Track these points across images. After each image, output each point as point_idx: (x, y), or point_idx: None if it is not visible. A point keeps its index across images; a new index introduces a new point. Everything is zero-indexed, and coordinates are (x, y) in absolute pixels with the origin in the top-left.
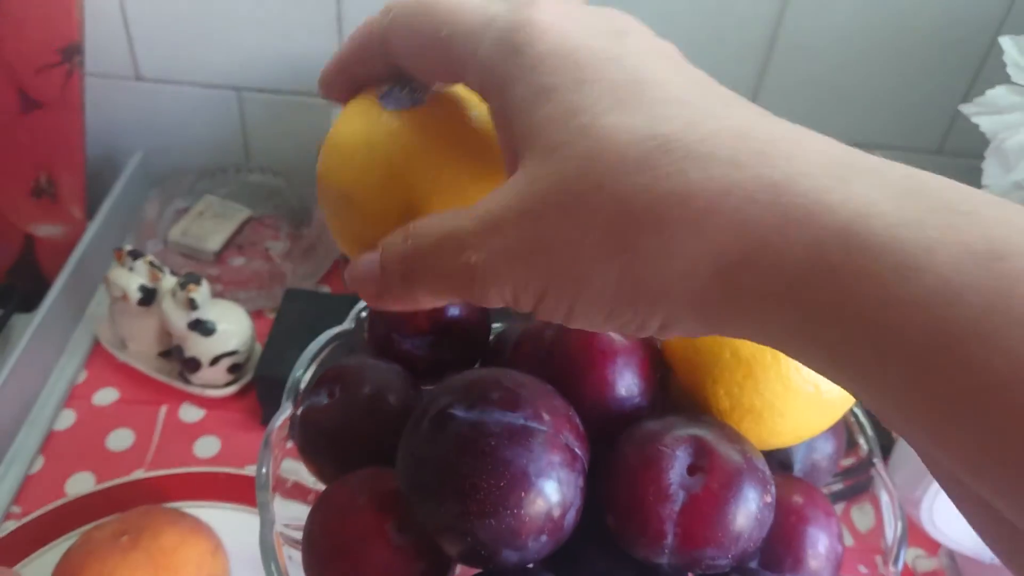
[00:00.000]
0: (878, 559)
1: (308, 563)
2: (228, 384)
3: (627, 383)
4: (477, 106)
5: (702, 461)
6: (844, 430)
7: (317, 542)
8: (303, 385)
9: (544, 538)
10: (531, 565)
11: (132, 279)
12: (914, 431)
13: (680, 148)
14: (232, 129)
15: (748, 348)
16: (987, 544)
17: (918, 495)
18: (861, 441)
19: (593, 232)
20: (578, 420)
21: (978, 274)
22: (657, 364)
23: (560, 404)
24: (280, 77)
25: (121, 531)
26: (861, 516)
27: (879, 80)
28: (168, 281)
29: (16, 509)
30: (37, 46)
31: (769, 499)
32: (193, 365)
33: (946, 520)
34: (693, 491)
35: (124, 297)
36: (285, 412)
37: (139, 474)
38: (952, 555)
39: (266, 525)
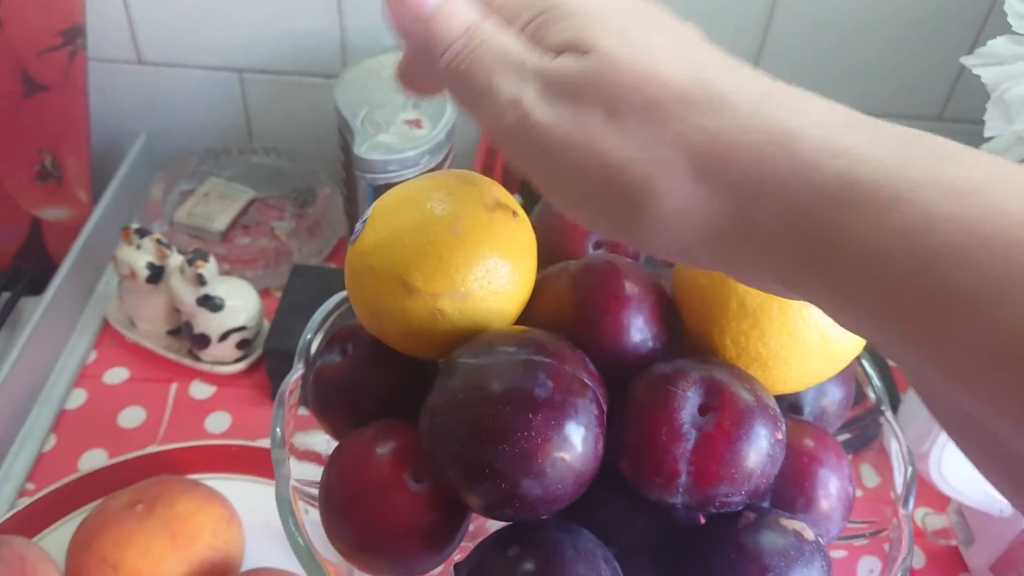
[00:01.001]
0: (887, 510)
1: (325, 512)
2: (237, 360)
3: (640, 328)
4: None
5: (713, 400)
6: (853, 379)
7: (334, 492)
8: (313, 348)
9: (562, 462)
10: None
11: (140, 257)
12: (906, 353)
13: (717, 93)
14: (235, 111)
15: (754, 298)
16: (993, 484)
17: (926, 450)
18: (869, 392)
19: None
20: (588, 360)
21: (953, 206)
22: (668, 312)
23: (567, 345)
24: (281, 58)
25: (136, 500)
26: (869, 474)
27: (880, 47)
28: (175, 259)
29: (30, 486)
30: (39, 28)
31: (780, 436)
32: (203, 341)
33: (954, 472)
34: (705, 430)
35: (132, 275)
36: (297, 372)
37: (152, 448)
38: (961, 511)
39: (282, 481)
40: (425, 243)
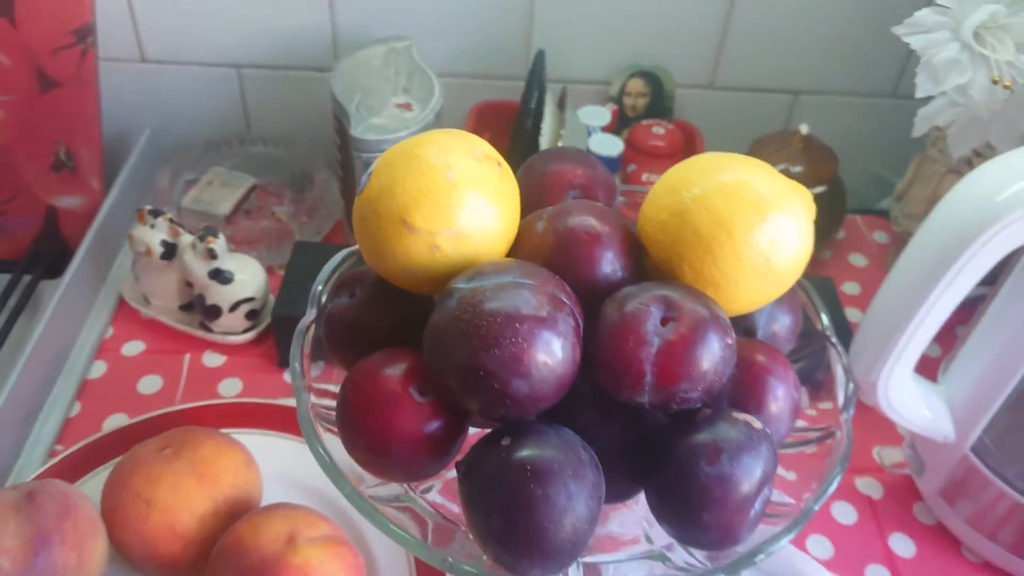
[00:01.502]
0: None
1: (342, 426)
2: (246, 330)
3: (610, 260)
4: None
5: (673, 313)
6: (800, 308)
7: (350, 407)
8: (323, 298)
9: (545, 365)
10: (534, 419)
11: (154, 235)
12: None
13: None
14: (233, 104)
15: (707, 228)
16: None
17: (874, 380)
18: (818, 323)
19: None
20: (566, 284)
21: None
22: (634, 247)
23: (547, 272)
24: (276, 53)
25: (164, 445)
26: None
27: (835, 28)
28: (186, 238)
29: (59, 448)
30: (53, 29)
31: (730, 341)
32: (214, 312)
33: (899, 400)
34: (666, 337)
35: (148, 252)
36: (310, 317)
37: (173, 407)
38: (913, 444)
39: (302, 404)
40: (423, 188)
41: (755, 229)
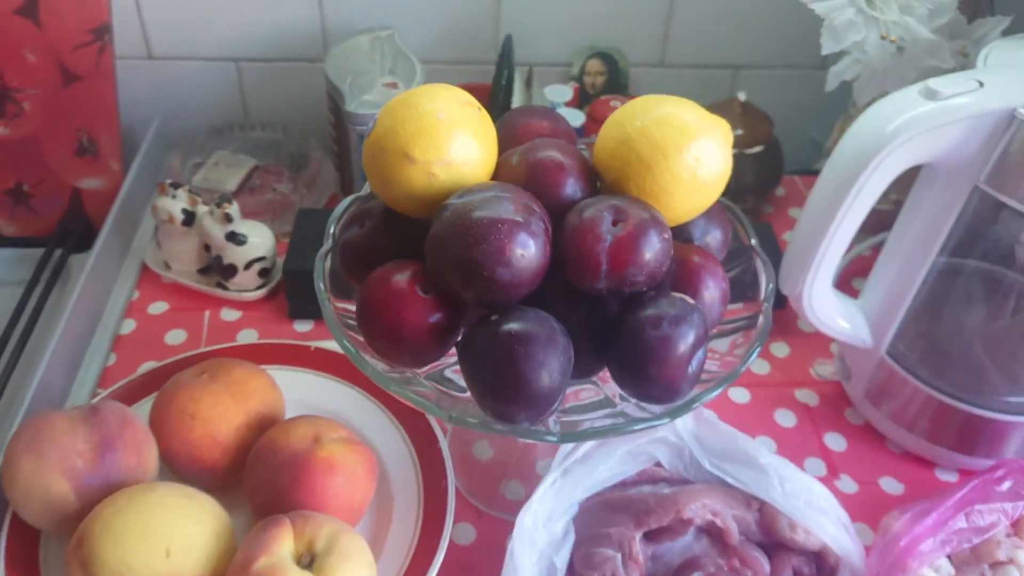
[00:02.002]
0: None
1: (362, 322)
2: (259, 288)
3: (571, 184)
4: None
5: (621, 216)
6: (729, 224)
7: (367, 305)
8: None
9: (522, 256)
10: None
11: (175, 204)
12: None
13: None
14: (233, 94)
15: (646, 151)
16: None
17: (799, 292)
18: (745, 238)
19: None
20: (537, 200)
21: None
22: (590, 173)
23: (522, 190)
24: (271, 46)
25: (202, 372)
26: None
27: (768, 7)
28: (203, 208)
29: (100, 391)
30: (73, 28)
31: (666, 236)
32: (231, 271)
33: (821, 308)
34: (616, 234)
35: (170, 219)
36: (327, 246)
37: (200, 350)
38: (843, 356)
39: (327, 311)
40: (419, 127)
41: (683, 150)
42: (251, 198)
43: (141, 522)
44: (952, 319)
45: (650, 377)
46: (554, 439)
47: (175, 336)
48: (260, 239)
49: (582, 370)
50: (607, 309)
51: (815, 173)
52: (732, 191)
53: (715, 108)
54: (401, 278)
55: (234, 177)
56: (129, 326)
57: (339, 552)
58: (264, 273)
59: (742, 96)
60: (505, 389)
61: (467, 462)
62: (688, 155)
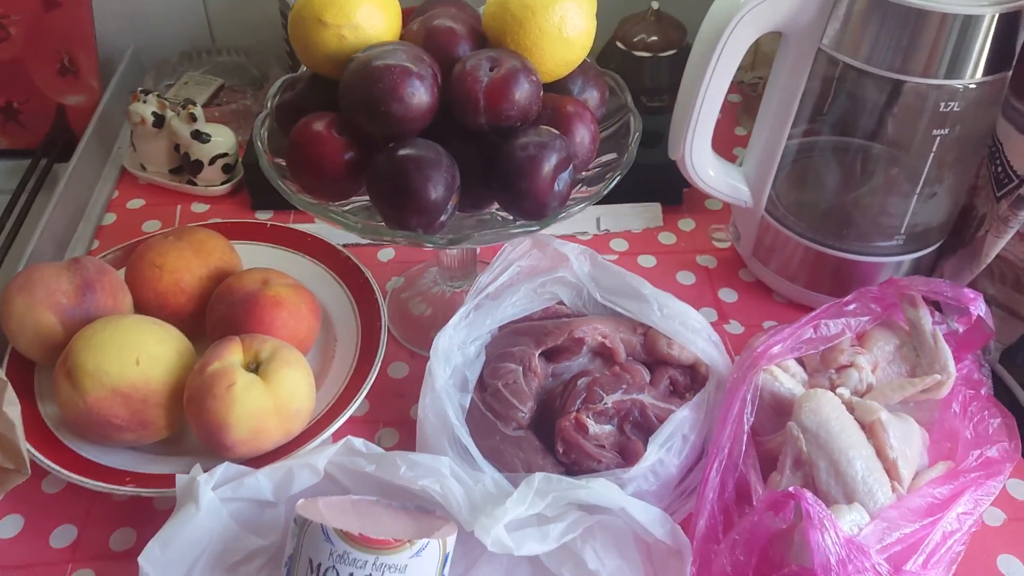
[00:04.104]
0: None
1: (290, 162)
2: (224, 183)
3: (462, 45)
4: None
5: (496, 64)
6: (606, 86)
7: (293, 148)
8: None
9: (413, 95)
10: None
11: (146, 108)
12: None
13: None
14: (200, 23)
15: (519, 11)
16: None
17: (682, 154)
18: (623, 98)
19: None
20: (429, 54)
21: None
22: (478, 35)
23: (416, 46)
24: None
25: (169, 234)
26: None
27: None
28: (171, 112)
29: None
30: None
31: (534, 79)
32: (197, 166)
33: (702, 169)
34: (492, 77)
35: (142, 122)
36: (265, 112)
37: (169, 228)
38: (734, 223)
39: (263, 160)
40: None
41: (549, 10)
42: (217, 109)
43: (115, 338)
44: (816, 177)
45: (521, 192)
46: (443, 242)
47: (151, 226)
48: (222, 138)
49: (475, 200)
50: (491, 145)
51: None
52: (649, 90)
53: (633, 17)
54: (320, 124)
55: (203, 94)
56: (110, 219)
57: (280, 359)
58: (227, 169)
59: (655, 5)
60: (400, 200)
61: (406, 317)
62: (554, 14)
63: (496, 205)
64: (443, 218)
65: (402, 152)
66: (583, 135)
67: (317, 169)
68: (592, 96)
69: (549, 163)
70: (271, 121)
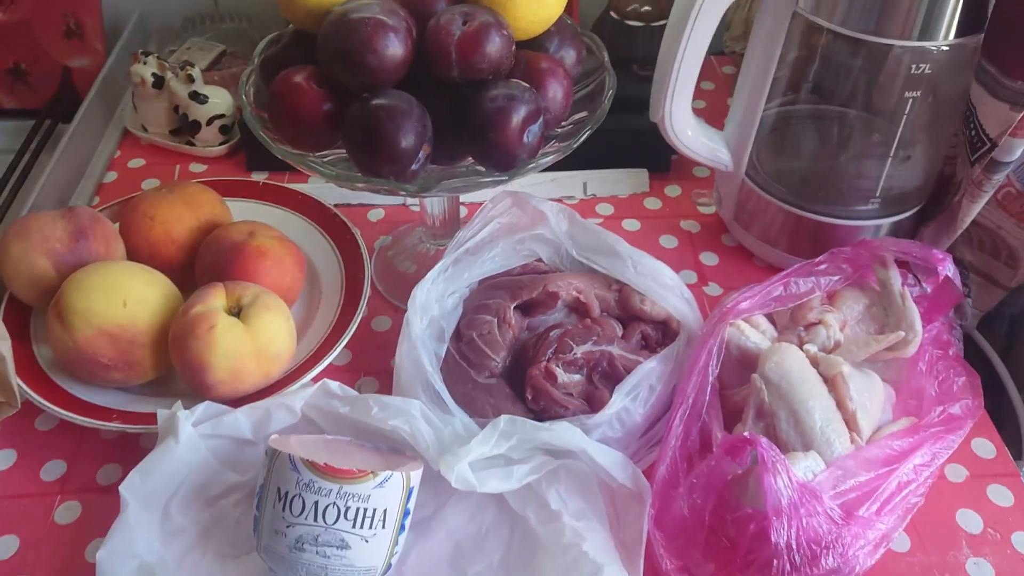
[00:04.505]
0: None
1: (271, 112)
2: (222, 144)
3: (440, 2)
4: None
5: (469, 17)
6: (583, 45)
7: (273, 99)
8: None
9: (387, 47)
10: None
11: (146, 69)
12: None
13: None
14: None
15: None
16: None
17: (661, 116)
18: (600, 57)
19: None
20: (405, 10)
21: None
22: None
23: (395, 2)
24: None
25: (162, 188)
26: None
27: None
28: (170, 74)
29: None
30: None
31: (505, 32)
32: (195, 127)
33: (682, 130)
34: (464, 30)
35: (142, 83)
36: (251, 67)
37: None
38: (717, 189)
39: (247, 111)
40: None
41: None
42: (217, 74)
43: (104, 281)
44: (794, 142)
45: (491, 142)
46: (413, 189)
47: (150, 184)
48: (220, 100)
49: (450, 153)
50: (464, 98)
51: (723, 53)
52: (641, 59)
53: None
54: (299, 77)
55: (204, 59)
56: (111, 177)
57: (260, 305)
58: (225, 130)
59: None
60: (372, 148)
61: (391, 273)
62: None
63: (472, 159)
64: (415, 167)
65: (375, 102)
66: (556, 91)
67: (296, 119)
68: (569, 55)
69: (518, 115)
70: (257, 76)
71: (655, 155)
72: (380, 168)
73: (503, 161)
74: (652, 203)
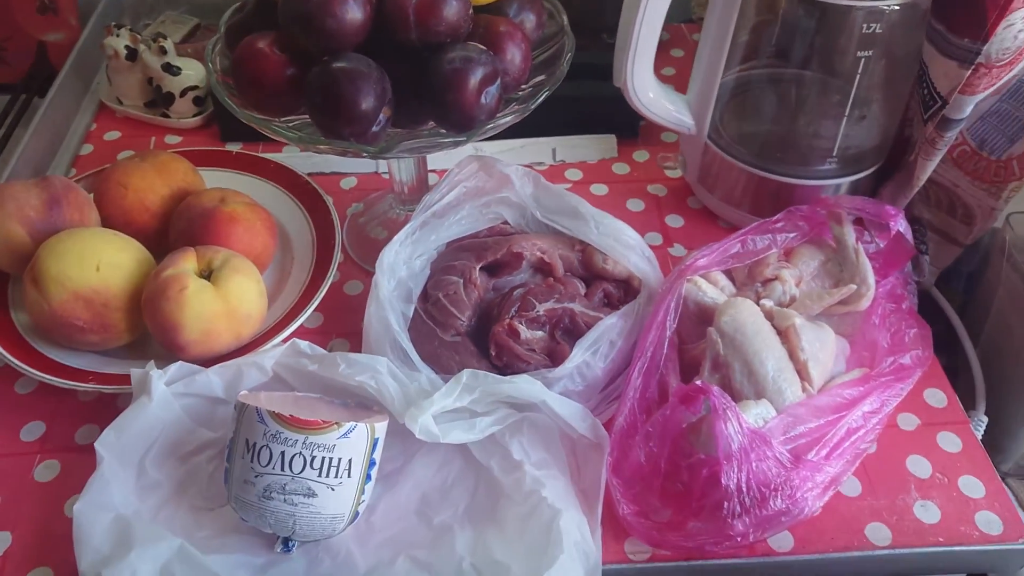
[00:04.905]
0: None
1: (235, 77)
2: (195, 115)
3: None
4: None
5: None
6: (544, 10)
7: (238, 64)
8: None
9: (346, 12)
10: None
11: (119, 42)
12: None
13: None
14: None
15: None
16: None
17: (624, 80)
18: (560, 20)
19: None
20: None
21: None
22: None
23: None
24: None
25: (134, 157)
26: None
27: None
28: (143, 46)
29: None
30: None
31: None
32: (169, 99)
33: (644, 94)
34: None
35: (116, 55)
36: (217, 36)
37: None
38: (682, 152)
39: (213, 77)
40: None
41: None
42: (191, 46)
43: (77, 247)
44: (754, 104)
45: (449, 103)
46: (373, 149)
47: (126, 156)
48: (192, 71)
49: (412, 116)
50: (423, 60)
51: (692, 20)
52: (611, 27)
53: None
54: (262, 42)
55: (178, 32)
56: (87, 149)
57: (230, 268)
58: (199, 102)
59: None
60: (332, 109)
61: (363, 239)
62: None
63: (434, 123)
64: (375, 129)
65: (335, 65)
66: (514, 53)
67: (259, 84)
68: (528, 19)
69: (475, 76)
70: (223, 44)
71: (624, 121)
72: (341, 129)
73: (461, 122)
74: (620, 168)
